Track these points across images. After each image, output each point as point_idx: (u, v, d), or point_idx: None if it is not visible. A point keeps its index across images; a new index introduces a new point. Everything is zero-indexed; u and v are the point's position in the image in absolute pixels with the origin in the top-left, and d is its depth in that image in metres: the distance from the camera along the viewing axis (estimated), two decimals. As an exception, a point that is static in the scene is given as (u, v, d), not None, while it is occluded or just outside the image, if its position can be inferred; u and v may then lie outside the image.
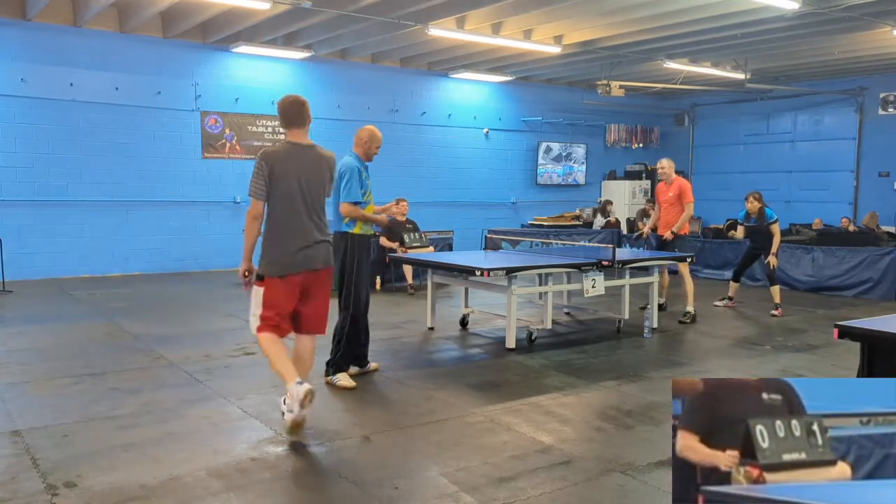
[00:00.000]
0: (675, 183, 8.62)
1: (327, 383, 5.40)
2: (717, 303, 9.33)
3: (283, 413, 4.38)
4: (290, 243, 4.34)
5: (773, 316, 8.58)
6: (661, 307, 8.45)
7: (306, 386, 4.13)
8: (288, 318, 4.42)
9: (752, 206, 8.79)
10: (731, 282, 9.32)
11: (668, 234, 8.54)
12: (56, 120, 10.81)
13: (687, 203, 8.52)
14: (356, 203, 5.27)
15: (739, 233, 9.09)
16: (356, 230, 5.36)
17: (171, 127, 11.71)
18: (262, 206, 4.33)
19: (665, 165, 8.73)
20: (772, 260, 8.71)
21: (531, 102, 15.66)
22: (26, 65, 10.53)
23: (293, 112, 4.44)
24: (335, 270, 5.34)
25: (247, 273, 4.43)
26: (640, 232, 9.55)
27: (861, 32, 10.53)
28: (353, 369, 5.59)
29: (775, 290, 8.80)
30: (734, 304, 9.25)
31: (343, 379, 5.40)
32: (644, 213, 14.05)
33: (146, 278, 11.17)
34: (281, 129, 12.42)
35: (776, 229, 8.75)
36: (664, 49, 11.91)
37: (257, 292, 4.38)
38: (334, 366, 5.44)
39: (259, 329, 4.35)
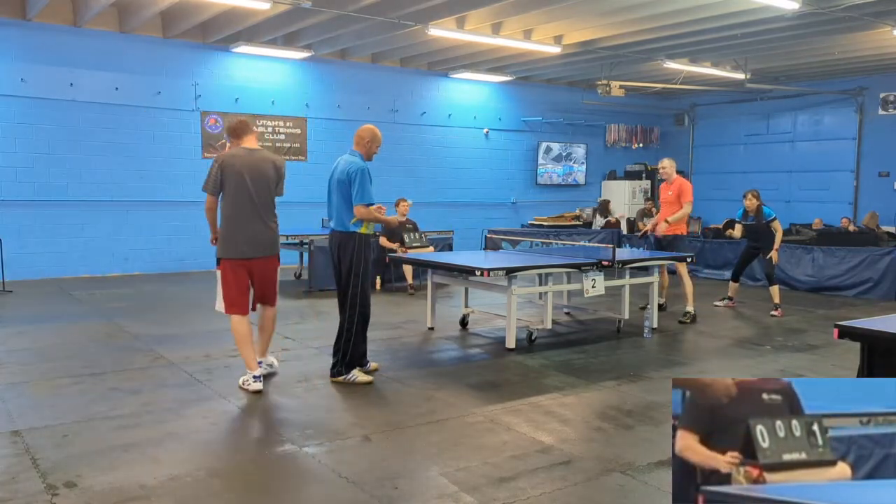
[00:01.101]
0: (675, 182, 8.63)
1: (336, 383, 5.40)
2: (717, 303, 9.33)
3: (241, 384, 5.23)
4: (238, 235, 5.11)
5: (773, 316, 8.57)
6: (661, 307, 8.45)
7: (258, 385, 5.13)
8: (244, 297, 5.18)
9: (751, 203, 8.79)
10: (730, 282, 9.32)
11: (661, 227, 8.53)
12: (56, 120, 10.81)
13: (686, 202, 8.52)
14: (370, 204, 5.29)
15: (737, 231, 9.07)
16: (363, 230, 5.38)
17: (171, 127, 11.71)
18: (213, 201, 5.20)
19: (666, 165, 8.74)
20: (773, 255, 8.70)
21: (531, 102, 15.65)
22: (26, 65, 10.53)
23: (240, 127, 5.27)
24: (343, 270, 5.35)
25: (215, 241, 5.27)
26: (643, 231, 9.55)
27: (861, 32, 10.52)
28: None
29: (774, 290, 8.80)
30: (734, 304, 9.25)
31: (360, 375, 5.42)
32: (644, 213, 14.05)
33: (146, 278, 11.18)
34: (281, 134, 12.48)
35: (778, 226, 8.74)
36: (664, 49, 11.90)
37: (218, 276, 5.20)
38: (347, 365, 5.42)
39: (228, 310, 5.17)
